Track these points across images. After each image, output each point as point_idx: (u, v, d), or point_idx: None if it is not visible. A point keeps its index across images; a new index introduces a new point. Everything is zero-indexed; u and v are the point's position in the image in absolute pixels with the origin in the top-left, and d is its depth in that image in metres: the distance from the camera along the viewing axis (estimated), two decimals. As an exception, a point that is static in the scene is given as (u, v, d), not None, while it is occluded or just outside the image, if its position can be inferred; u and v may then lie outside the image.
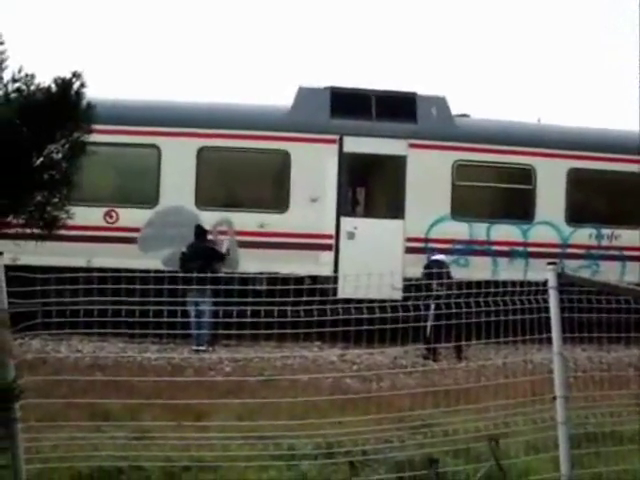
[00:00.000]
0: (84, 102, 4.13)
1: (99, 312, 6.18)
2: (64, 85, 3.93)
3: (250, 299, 6.55)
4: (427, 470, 2.21)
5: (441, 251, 12.31)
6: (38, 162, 4.02)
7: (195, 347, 11.20)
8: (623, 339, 7.23)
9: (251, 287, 9.40)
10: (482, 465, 3.85)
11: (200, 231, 12.06)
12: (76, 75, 4.07)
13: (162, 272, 7.46)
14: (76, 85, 4.06)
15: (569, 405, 4.70)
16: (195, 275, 8.31)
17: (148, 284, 6.30)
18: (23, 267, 8.69)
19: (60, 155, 4.17)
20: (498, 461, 2.49)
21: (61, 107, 3.89)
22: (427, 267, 11.53)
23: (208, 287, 9.75)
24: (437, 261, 11.74)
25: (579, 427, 5.26)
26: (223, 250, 12.33)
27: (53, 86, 4.00)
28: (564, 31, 37.62)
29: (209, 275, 9.56)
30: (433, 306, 7.51)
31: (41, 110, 3.82)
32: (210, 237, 12.33)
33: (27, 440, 4.56)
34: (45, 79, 4.06)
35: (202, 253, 11.64)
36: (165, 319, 6.19)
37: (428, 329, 8.58)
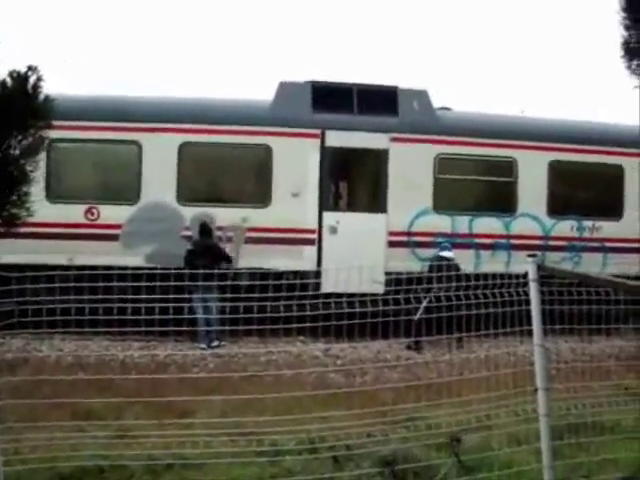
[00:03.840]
0: (41, 96, 4.04)
1: (84, 310, 6.13)
2: (20, 79, 3.84)
3: (229, 295, 6.52)
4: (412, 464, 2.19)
5: (447, 247, 12.23)
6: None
7: (202, 344, 11.29)
8: (604, 330, 7.28)
9: (231, 283, 9.36)
10: (442, 462, 3.84)
11: (205, 229, 12.02)
12: (32, 69, 3.98)
13: (156, 269, 7.34)
14: (32, 79, 3.96)
15: (551, 397, 4.71)
16: (186, 272, 8.28)
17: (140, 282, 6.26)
18: (3, 265, 8.62)
19: (18, 151, 4.09)
20: (460, 459, 2.49)
21: (17, 101, 3.81)
22: (433, 261, 11.48)
23: (200, 284, 9.73)
24: (444, 258, 11.67)
25: (561, 418, 5.29)
26: (229, 252, 12.24)
27: (8, 80, 3.91)
28: (546, 21, 37.78)
29: (195, 271, 9.54)
30: (426, 299, 7.57)
31: None
32: (219, 233, 12.31)
33: (6, 442, 4.51)
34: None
35: (209, 251, 11.63)
36: (157, 316, 6.13)
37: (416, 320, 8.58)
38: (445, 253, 11.96)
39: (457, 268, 10.88)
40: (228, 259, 11.98)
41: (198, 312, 10.95)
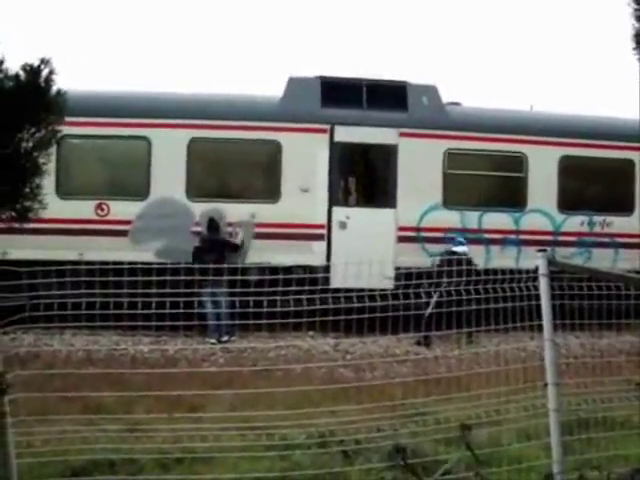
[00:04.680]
0: (54, 89, 4.03)
1: (94, 305, 6.18)
2: (32, 72, 3.84)
3: (238, 290, 6.56)
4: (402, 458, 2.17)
5: (461, 242, 12.22)
6: (7, 152, 3.93)
7: (211, 339, 11.32)
8: (614, 325, 7.26)
9: (240, 277, 9.38)
10: (450, 457, 3.84)
11: (213, 224, 12.05)
12: (44, 62, 3.97)
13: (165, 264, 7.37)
14: (45, 72, 3.96)
15: (561, 392, 4.70)
16: (197, 267, 8.30)
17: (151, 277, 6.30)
18: (14, 261, 8.67)
19: (31, 144, 4.09)
20: (471, 449, 2.49)
21: (30, 94, 3.81)
22: (444, 257, 11.51)
23: (210, 278, 9.76)
24: (455, 253, 11.63)
25: (571, 413, 5.27)
26: (237, 241, 12.31)
27: (21, 73, 3.91)
28: (555, 16, 37.57)
29: (201, 266, 9.56)
30: (436, 295, 7.57)
31: (9, 98, 3.75)
32: (229, 229, 12.37)
33: (18, 435, 4.54)
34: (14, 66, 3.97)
35: (217, 246, 11.67)
36: (167, 310, 6.16)
37: (426, 316, 8.57)
38: (458, 248, 11.91)
39: (469, 262, 10.83)
40: (236, 248, 12.02)
41: (207, 307, 11.01)
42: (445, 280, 7.94)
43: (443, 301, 6.87)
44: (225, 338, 11.33)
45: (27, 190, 4.23)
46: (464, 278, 6.56)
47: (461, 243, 12.15)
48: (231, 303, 10.40)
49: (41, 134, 4.13)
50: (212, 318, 11.22)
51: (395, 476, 2.37)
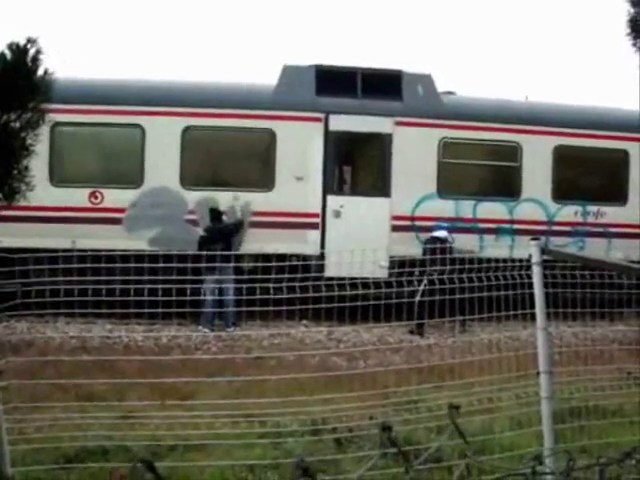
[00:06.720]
0: (41, 70, 3.98)
1: (88, 293, 6.17)
2: (19, 51, 3.80)
3: (234, 277, 6.55)
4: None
5: (440, 227, 12.26)
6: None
7: (205, 328, 11.29)
8: (607, 315, 7.27)
9: (235, 264, 9.39)
10: (435, 444, 3.84)
11: (216, 213, 12.02)
12: (31, 41, 3.93)
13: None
14: (32, 51, 3.91)
15: (553, 380, 4.71)
16: (194, 253, 8.30)
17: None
18: (7, 249, 8.66)
19: (18, 124, 4.05)
20: (457, 426, 2.48)
21: (16, 75, 3.77)
22: (427, 243, 11.61)
23: (203, 265, 9.74)
24: (437, 238, 11.72)
25: (563, 402, 5.29)
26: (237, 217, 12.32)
27: (7, 52, 3.86)
28: (551, 5, 37.48)
29: (194, 253, 9.56)
30: (425, 282, 7.59)
31: None
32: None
33: (12, 422, 4.54)
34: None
35: (221, 234, 11.65)
36: (160, 298, 6.16)
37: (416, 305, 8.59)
38: (438, 233, 11.96)
39: (451, 250, 10.91)
40: (240, 225, 11.99)
41: (207, 295, 10.91)
42: (429, 269, 7.97)
43: (433, 289, 6.88)
44: (231, 329, 11.26)
45: (15, 172, 4.19)
46: (448, 266, 6.54)
47: (441, 228, 12.17)
48: (234, 292, 10.38)
49: (28, 115, 4.09)
50: (210, 307, 11.18)
51: (386, 462, 2.37)
